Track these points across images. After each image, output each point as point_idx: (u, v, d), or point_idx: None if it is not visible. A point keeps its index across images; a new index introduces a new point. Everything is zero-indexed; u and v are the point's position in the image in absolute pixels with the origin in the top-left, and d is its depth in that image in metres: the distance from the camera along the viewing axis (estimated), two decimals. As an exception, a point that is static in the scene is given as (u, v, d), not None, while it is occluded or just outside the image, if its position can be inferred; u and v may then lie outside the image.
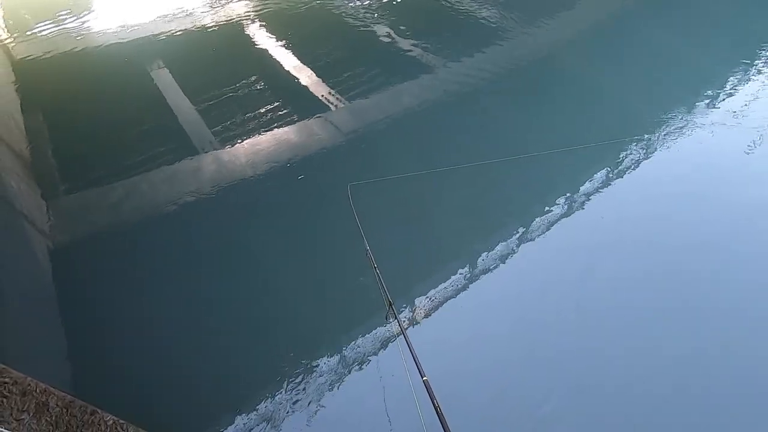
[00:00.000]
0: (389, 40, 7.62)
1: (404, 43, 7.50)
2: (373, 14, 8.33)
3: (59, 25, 8.04)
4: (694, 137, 5.60)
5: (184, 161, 5.28)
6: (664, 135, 5.61)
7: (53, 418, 2.43)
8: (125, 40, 7.59)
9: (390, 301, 3.12)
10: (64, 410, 2.47)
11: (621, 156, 5.33)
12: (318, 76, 6.75)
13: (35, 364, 3.16)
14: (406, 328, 3.44)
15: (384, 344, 3.61)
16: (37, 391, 2.50)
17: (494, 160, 5.08)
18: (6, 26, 8.04)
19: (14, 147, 5.36)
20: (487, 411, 3.24)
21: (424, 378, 2.47)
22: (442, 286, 4.07)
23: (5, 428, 2.12)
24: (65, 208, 4.77)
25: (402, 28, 7.90)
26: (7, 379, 2.49)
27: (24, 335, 3.55)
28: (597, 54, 7.56)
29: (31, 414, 2.40)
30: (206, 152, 5.41)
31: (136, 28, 7.97)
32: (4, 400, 2.40)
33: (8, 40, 7.58)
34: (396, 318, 3.10)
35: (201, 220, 4.66)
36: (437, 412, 2.24)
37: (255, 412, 3.22)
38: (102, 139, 5.65)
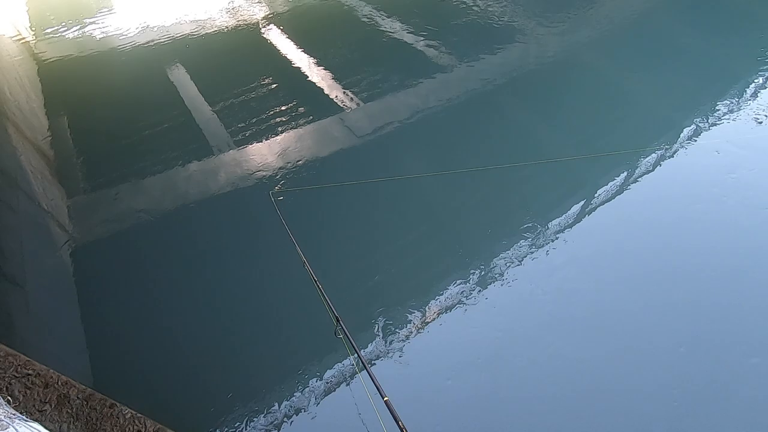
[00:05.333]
0: (404, 40, 7.63)
1: (420, 44, 7.50)
2: (388, 14, 8.33)
3: (82, 28, 8.26)
4: (717, 144, 5.44)
5: (202, 161, 5.38)
6: (686, 142, 5.47)
7: (74, 410, 2.50)
8: (144, 42, 7.76)
9: (337, 317, 2.90)
10: (84, 402, 2.54)
11: (643, 162, 5.22)
12: (332, 77, 6.79)
13: (57, 357, 3.28)
14: (364, 353, 3.29)
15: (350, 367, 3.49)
16: (59, 383, 2.58)
17: (508, 165, 5.04)
18: (32, 28, 8.29)
19: (40, 147, 5.53)
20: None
21: (385, 399, 2.35)
22: (439, 295, 4.02)
23: (28, 418, 2.19)
24: (87, 206, 4.91)
25: (418, 27, 7.90)
26: (30, 372, 2.58)
27: (47, 329, 3.67)
28: (620, 55, 7.40)
29: (53, 405, 2.48)
30: (223, 152, 5.50)
31: (155, 30, 8.14)
32: (28, 391, 2.49)
33: (34, 42, 7.82)
34: (347, 336, 2.82)
35: (219, 219, 4.75)
36: None
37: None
38: (122, 139, 5.79)
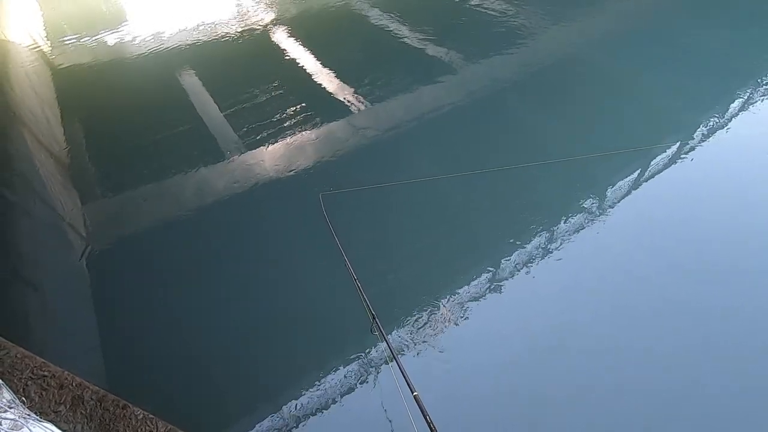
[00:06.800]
0: (412, 41, 7.63)
1: (427, 45, 7.50)
2: (396, 16, 8.34)
3: (96, 36, 8.41)
4: (729, 143, 5.36)
5: (212, 165, 5.43)
6: (698, 140, 5.38)
7: (88, 411, 2.54)
8: (156, 50, 7.87)
9: (374, 314, 2.94)
10: (98, 404, 2.58)
11: (652, 161, 5.16)
12: (341, 79, 6.82)
13: (71, 359, 3.34)
14: (401, 353, 3.30)
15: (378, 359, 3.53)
16: (73, 384, 2.63)
17: (519, 165, 5.00)
18: (47, 37, 8.46)
19: (54, 152, 5.64)
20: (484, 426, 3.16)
21: (414, 393, 2.39)
22: (463, 291, 4.02)
23: (43, 419, 2.24)
24: (101, 210, 4.98)
25: (425, 29, 7.89)
26: (46, 373, 2.63)
27: (61, 331, 3.73)
28: (628, 54, 7.31)
29: (68, 406, 2.52)
30: (232, 155, 5.55)
31: (166, 37, 8.26)
32: (44, 392, 2.54)
33: (49, 51, 7.97)
34: (381, 332, 2.87)
35: (228, 223, 4.78)
36: (431, 429, 2.19)
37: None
38: (133, 143, 5.87)
